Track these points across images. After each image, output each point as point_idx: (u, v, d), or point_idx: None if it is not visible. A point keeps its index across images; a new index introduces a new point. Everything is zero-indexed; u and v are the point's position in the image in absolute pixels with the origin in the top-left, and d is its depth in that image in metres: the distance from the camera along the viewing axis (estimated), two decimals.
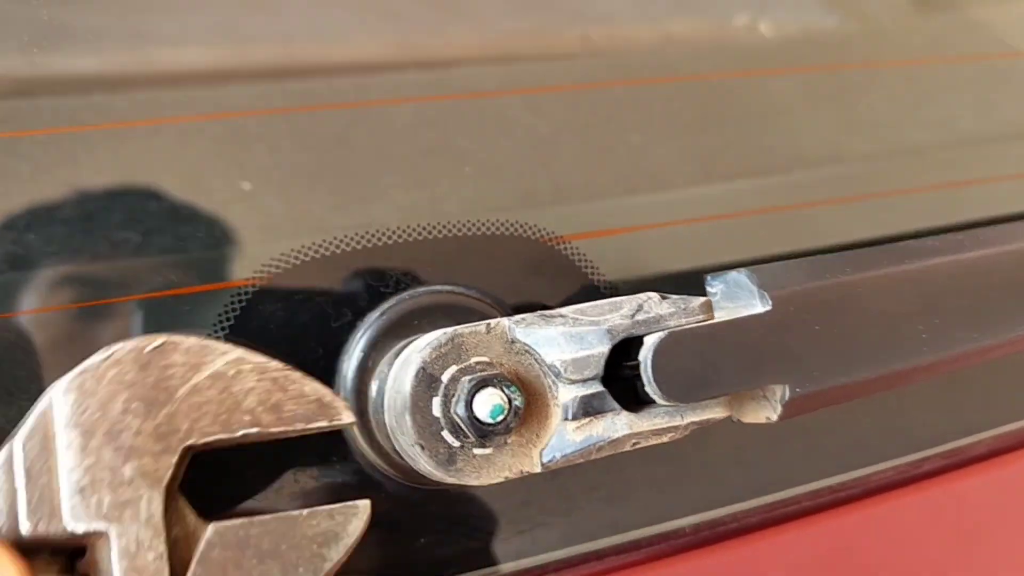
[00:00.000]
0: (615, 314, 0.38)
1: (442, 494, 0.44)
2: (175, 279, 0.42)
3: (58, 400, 0.31)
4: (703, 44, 0.60)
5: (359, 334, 0.42)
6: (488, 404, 0.36)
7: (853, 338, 0.40)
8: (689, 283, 0.49)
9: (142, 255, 0.43)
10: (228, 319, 0.41)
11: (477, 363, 0.38)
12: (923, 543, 0.52)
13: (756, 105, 0.58)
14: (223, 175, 0.45)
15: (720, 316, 0.40)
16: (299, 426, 0.33)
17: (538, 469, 0.38)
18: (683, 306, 0.38)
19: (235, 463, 0.40)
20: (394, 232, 0.45)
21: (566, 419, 0.38)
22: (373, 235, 0.44)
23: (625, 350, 0.39)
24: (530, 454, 0.38)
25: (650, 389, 0.37)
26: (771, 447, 0.49)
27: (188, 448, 0.32)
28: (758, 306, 0.39)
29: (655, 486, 0.47)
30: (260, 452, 0.37)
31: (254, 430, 0.33)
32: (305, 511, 0.34)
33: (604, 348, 0.37)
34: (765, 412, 0.40)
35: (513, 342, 0.38)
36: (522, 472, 0.38)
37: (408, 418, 0.37)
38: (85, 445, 0.31)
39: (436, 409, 0.37)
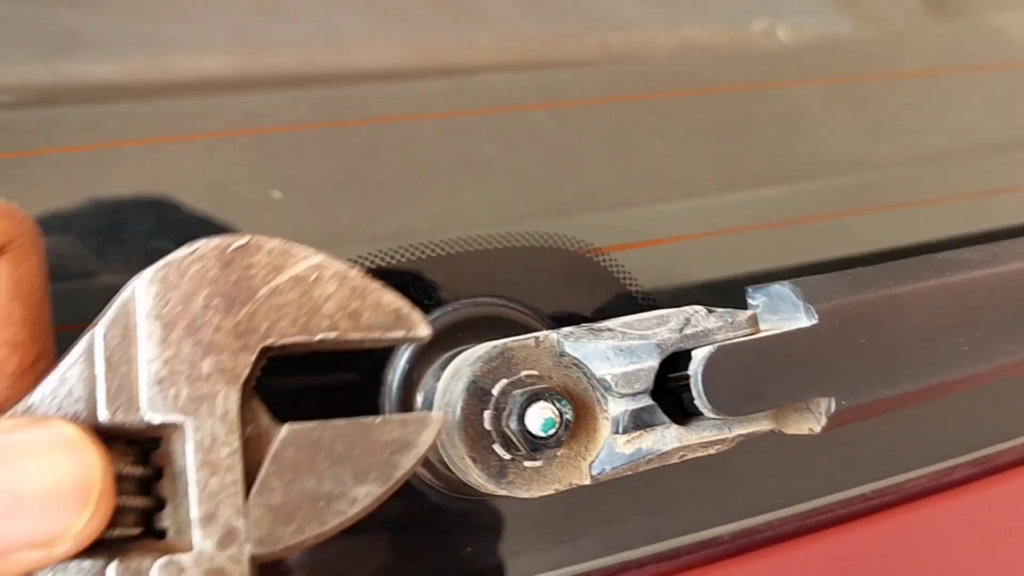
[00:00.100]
0: (663, 328, 0.38)
1: (485, 504, 0.44)
2: None
3: (141, 291, 0.31)
4: (722, 50, 0.61)
5: (403, 346, 0.43)
6: (540, 418, 0.37)
7: (896, 351, 0.40)
8: (724, 292, 0.49)
9: None
10: None
11: (527, 376, 0.38)
12: (955, 549, 0.52)
13: (777, 112, 0.59)
14: (253, 184, 0.45)
15: (763, 328, 0.40)
16: (376, 335, 0.33)
17: (587, 481, 0.38)
18: (730, 320, 0.39)
19: None
20: (436, 245, 0.45)
21: (616, 432, 0.38)
22: (415, 248, 0.45)
23: (670, 362, 0.39)
24: (579, 466, 0.38)
25: (700, 403, 0.37)
26: (806, 457, 0.50)
27: (266, 348, 0.32)
28: (803, 319, 0.39)
29: (693, 495, 0.48)
30: None
31: (332, 335, 0.32)
32: (378, 418, 0.33)
33: (654, 362, 0.38)
34: (808, 424, 0.41)
35: (562, 355, 0.39)
36: (571, 484, 0.38)
37: (459, 431, 0.37)
38: (166, 337, 0.31)
39: (487, 422, 0.37)
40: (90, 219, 0.42)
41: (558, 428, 0.37)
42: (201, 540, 0.31)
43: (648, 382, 0.38)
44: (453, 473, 0.40)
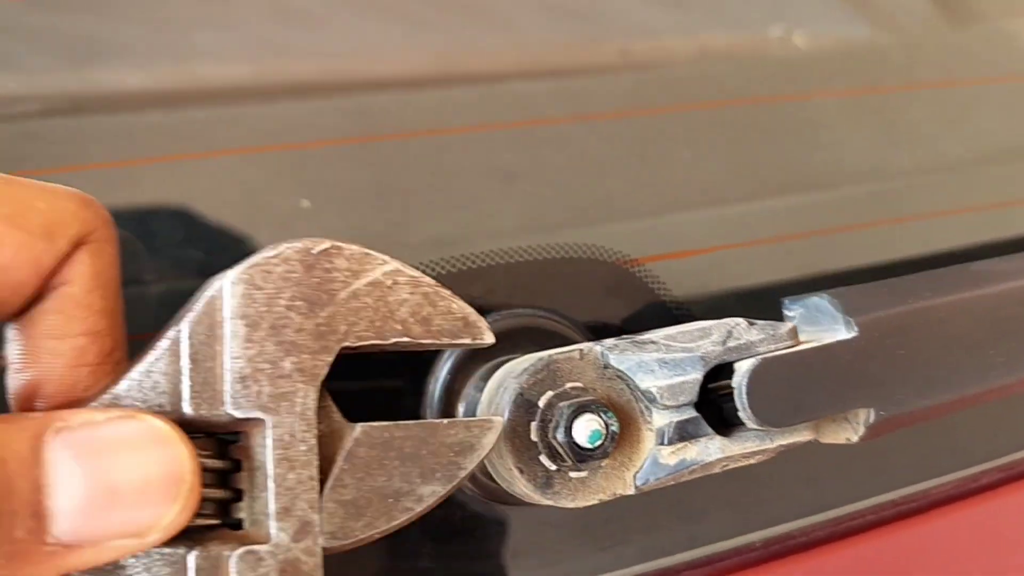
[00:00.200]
0: (706, 340, 0.39)
1: (525, 512, 0.45)
2: None
3: (227, 290, 0.32)
4: (739, 57, 0.61)
5: (445, 357, 0.43)
6: (587, 429, 0.37)
7: (932, 362, 0.41)
8: (756, 301, 0.50)
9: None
10: None
11: (572, 388, 0.38)
12: (982, 555, 0.53)
13: (799, 120, 0.59)
14: (282, 193, 0.46)
15: (802, 339, 0.41)
16: (445, 340, 0.34)
17: (631, 491, 0.39)
18: (771, 332, 0.39)
19: None
20: (474, 256, 0.46)
21: (661, 443, 0.38)
22: (457, 259, 0.45)
23: (710, 372, 0.40)
24: (623, 477, 0.39)
25: (744, 415, 0.38)
26: (837, 464, 0.50)
27: (343, 349, 0.33)
28: (843, 331, 0.40)
29: (728, 503, 0.48)
30: None
31: (404, 339, 0.33)
32: (445, 420, 0.34)
33: (698, 374, 0.38)
34: (846, 433, 0.41)
35: (606, 367, 0.39)
36: (615, 494, 0.39)
37: (506, 443, 0.38)
38: (250, 336, 0.32)
39: (534, 434, 0.38)
40: (121, 228, 0.42)
41: (604, 439, 0.37)
42: (278, 532, 0.32)
43: (693, 394, 0.38)
44: (494, 482, 0.41)
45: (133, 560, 0.31)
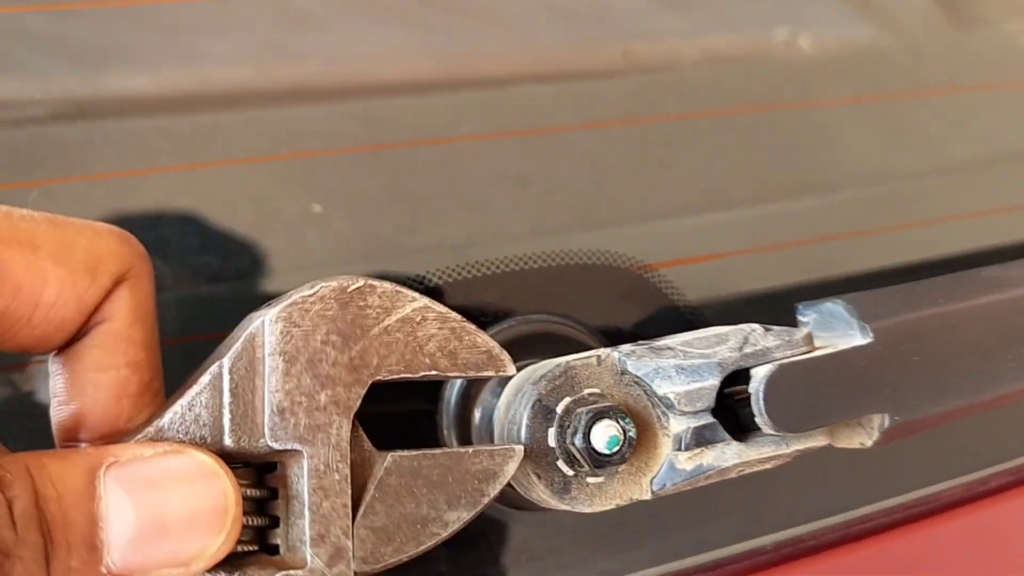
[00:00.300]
0: (723, 347, 0.39)
1: (538, 517, 0.45)
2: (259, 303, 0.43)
3: (267, 327, 0.34)
4: (744, 60, 0.61)
5: None
6: (605, 435, 0.37)
7: (947, 368, 0.41)
8: (769, 306, 0.50)
9: (222, 279, 0.44)
10: None
11: (590, 394, 0.39)
12: (992, 558, 0.53)
13: (804, 123, 0.59)
14: (294, 198, 0.46)
15: (817, 345, 0.41)
16: (471, 373, 0.36)
17: (648, 496, 0.39)
18: (787, 338, 0.40)
19: None
20: (489, 263, 0.46)
21: (678, 449, 0.39)
22: (470, 266, 0.45)
23: (727, 378, 0.40)
24: (640, 482, 0.39)
25: (761, 420, 0.38)
26: (847, 467, 0.51)
27: (375, 382, 0.35)
28: (858, 337, 0.40)
29: (738, 506, 0.48)
30: None
31: (433, 373, 0.35)
32: (470, 449, 0.36)
33: (715, 381, 0.38)
34: (860, 438, 0.41)
35: (623, 373, 0.39)
36: (632, 500, 0.39)
37: (524, 448, 0.38)
38: (288, 371, 0.34)
39: (552, 440, 0.38)
40: (135, 236, 0.42)
41: (622, 445, 0.38)
42: (313, 558, 0.33)
43: (710, 400, 0.38)
44: (510, 487, 0.41)
45: None
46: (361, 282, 0.35)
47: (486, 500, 0.36)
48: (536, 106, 0.52)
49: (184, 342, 0.42)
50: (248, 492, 0.34)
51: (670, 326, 0.44)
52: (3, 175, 0.42)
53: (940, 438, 0.53)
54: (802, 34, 0.63)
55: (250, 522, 0.33)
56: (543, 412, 0.38)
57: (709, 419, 0.39)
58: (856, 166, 0.60)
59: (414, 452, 0.36)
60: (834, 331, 0.41)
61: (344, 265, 0.46)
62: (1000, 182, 0.63)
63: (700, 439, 0.38)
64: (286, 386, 0.34)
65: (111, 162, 0.43)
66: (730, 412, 0.40)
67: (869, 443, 0.41)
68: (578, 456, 0.38)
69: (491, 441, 0.41)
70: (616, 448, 0.38)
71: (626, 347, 0.40)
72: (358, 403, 0.34)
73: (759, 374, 0.38)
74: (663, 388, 0.39)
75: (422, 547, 0.35)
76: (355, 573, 0.34)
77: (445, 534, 0.35)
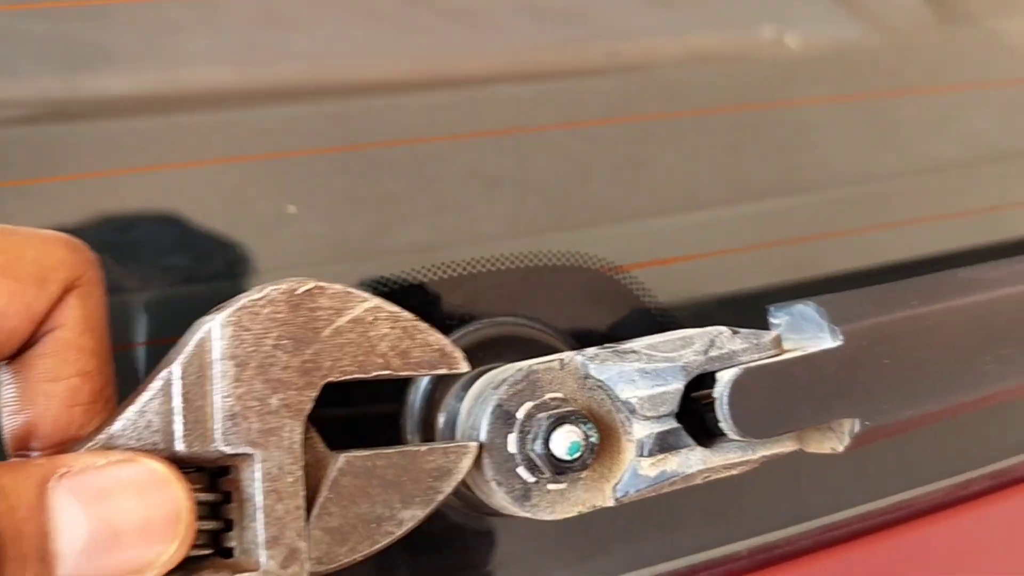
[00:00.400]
0: (688, 350, 0.38)
1: (505, 523, 0.44)
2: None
3: (216, 332, 0.34)
4: (730, 59, 0.60)
5: None
6: (566, 441, 0.37)
7: (921, 371, 0.40)
8: (742, 307, 0.49)
9: (195, 281, 0.43)
10: None
11: (552, 399, 0.38)
12: (972, 563, 0.52)
13: (788, 123, 0.59)
14: (268, 199, 0.45)
15: (786, 348, 0.40)
16: (423, 371, 0.36)
17: (611, 503, 0.38)
18: (755, 341, 0.39)
19: None
20: (456, 264, 0.45)
21: (641, 455, 0.38)
22: (437, 267, 0.45)
23: (693, 381, 0.39)
24: (603, 488, 0.38)
25: (726, 426, 0.37)
26: (823, 472, 0.50)
27: (327, 384, 0.35)
28: (828, 340, 0.39)
29: (711, 511, 0.48)
30: None
31: (385, 372, 0.35)
32: (424, 446, 0.36)
33: (679, 385, 0.37)
34: (831, 443, 0.41)
35: (586, 378, 0.38)
36: (595, 506, 0.38)
37: (484, 455, 0.37)
38: (239, 375, 0.33)
39: (512, 446, 0.37)
40: (105, 236, 0.42)
41: (583, 451, 0.37)
42: (267, 560, 0.34)
43: (673, 405, 0.38)
44: (472, 493, 0.40)
45: None
46: (311, 284, 0.35)
47: (440, 498, 0.36)
48: (515, 105, 0.52)
49: (156, 344, 0.42)
50: (201, 496, 0.34)
51: (642, 329, 0.42)
52: None
53: (919, 441, 0.52)
54: (788, 32, 0.62)
55: (204, 526, 0.33)
56: (503, 417, 0.37)
57: (673, 424, 0.38)
58: (838, 165, 0.59)
59: (367, 452, 0.36)
60: (805, 333, 0.40)
61: (318, 266, 0.46)
62: (983, 182, 0.62)
63: (663, 445, 0.38)
64: (237, 391, 0.33)
65: (84, 162, 0.43)
66: (697, 417, 0.39)
67: (841, 448, 0.40)
68: (538, 462, 0.37)
69: None
70: (577, 454, 0.37)
71: (590, 350, 0.39)
72: (311, 405, 0.34)
73: (724, 378, 0.37)
74: (626, 392, 0.38)
75: (377, 546, 0.35)
76: (310, 574, 0.34)
77: (400, 532, 0.36)
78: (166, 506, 0.31)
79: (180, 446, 0.33)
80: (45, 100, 0.44)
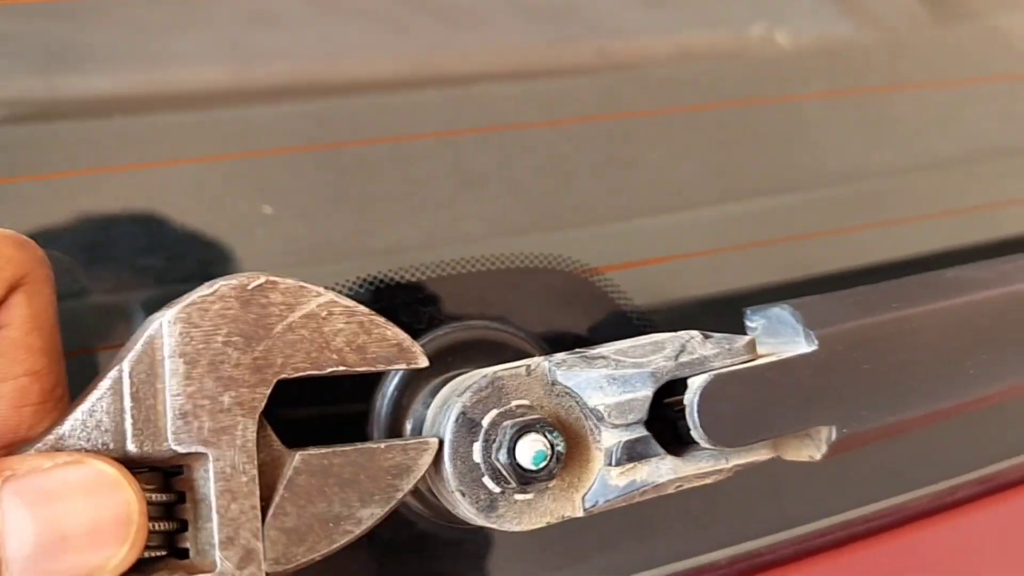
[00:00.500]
0: (658, 355, 0.37)
1: (476, 532, 0.43)
2: None
3: (166, 329, 0.33)
4: (720, 56, 0.59)
5: (392, 373, 0.42)
6: (531, 450, 0.36)
7: (901, 376, 0.39)
8: (723, 309, 0.48)
9: (166, 281, 0.42)
10: None
11: (518, 407, 0.37)
12: (957, 571, 0.51)
13: (777, 121, 0.57)
14: (244, 199, 0.44)
15: (762, 352, 0.39)
16: (380, 366, 0.35)
17: (580, 514, 0.37)
18: (727, 346, 0.38)
19: None
20: (428, 266, 0.44)
21: (609, 464, 0.37)
22: (406, 270, 0.44)
23: (665, 387, 0.38)
24: (572, 498, 0.37)
25: (696, 434, 0.36)
26: (804, 478, 0.49)
27: (281, 381, 0.34)
28: (803, 345, 0.38)
29: (690, 519, 0.46)
30: None
31: (340, 368, 0.35)
32: (382, 443, 0.36)
33: (648, 391, 0.36)
34: (808, 451, 0.39)
35: (554, 384, 0.37)
36: (563, 517, 0.37)
37: (448, 465, 0.36)
38: (189, 373, 0.33)
39: (477, 455, 0.36)
40: (80, 237, 0.41)
41: (549, 461, 0.36)
42: (222, 561, 0.33)
43: (642, 412, 0.37)
44: (440, 501, 0.39)
45: None
46: (262, 279, 0.34)
47: (400, 495, 0.35)
48: (499, 104, 0.51)
49: None
50: (154, 497, 0.33)
51: (618, 333, 0.41)
52: None
53: (904, 447, 0.51)
54: (779, 29, 0.61)
55: (157, 527, 0.33)
56: (468, 425, 0.36)
57: (642, 432, 0.37)
58: (829, 163, 0.58)
59: (324, 449, 0.35)
60: (781, 338, 0.39)
61: (294, 267, 0.45)
62: (979, 179, 0.61)
63: (632, 453, 0.37)
64: (188, 389, 0.33)
65: (61, 162, 0.42)
66: (670, 424, 0.38)
67: (818, 456, 0.39)
68: (503, 472, 0.36)
69: None
70: (543, 464, 0.36)
71: (558, 356, 0.38)
72: (263, 403, 0.34)
73: (694, 384, 0.36)
74: (594, 399, 0.37)
75: (335, 545, 0.35)
76: (267, 574, 0.34)
77: (359, 531, 0.35)
78: (116, 508, 0.31)
79: (131, 446, 0.32)
80: (23, 100, 0.43)
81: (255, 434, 0.33)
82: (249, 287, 0.34)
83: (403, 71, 0.51)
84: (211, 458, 0.33)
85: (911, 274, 0.44)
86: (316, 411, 0.41)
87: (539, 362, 0.38)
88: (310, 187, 0.45)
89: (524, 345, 0.44)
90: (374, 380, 0.42)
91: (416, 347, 0.36)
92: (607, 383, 0.37)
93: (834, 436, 0.38)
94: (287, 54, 0.48)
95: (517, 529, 0.37)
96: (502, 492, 0.36)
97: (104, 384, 0.33)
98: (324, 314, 0.34)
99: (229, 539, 0.33)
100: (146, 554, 0.32)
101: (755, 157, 0.55)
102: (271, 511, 0.34)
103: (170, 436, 0.33)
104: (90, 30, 0.45)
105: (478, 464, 0.36)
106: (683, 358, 0.37)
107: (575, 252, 0.46)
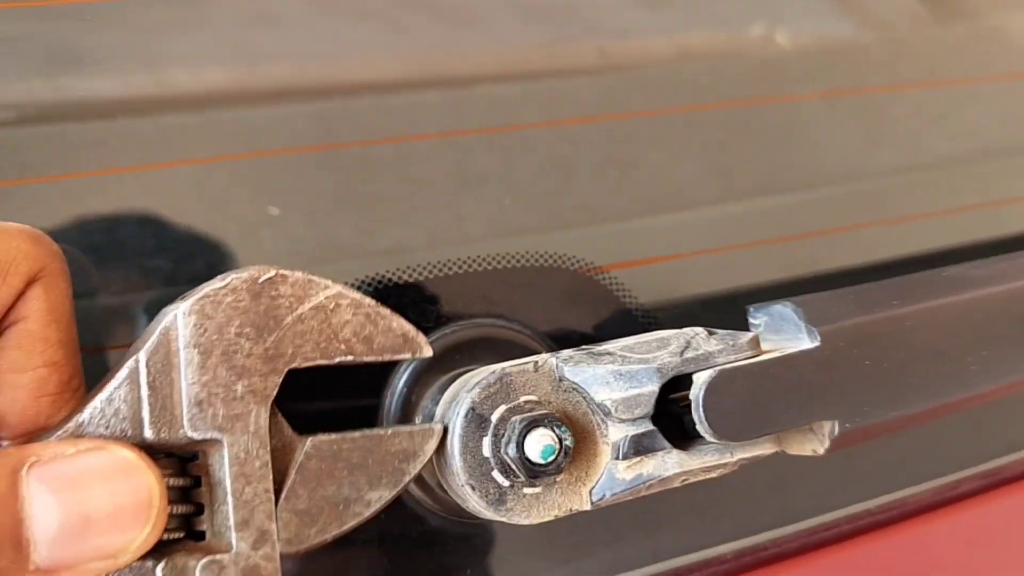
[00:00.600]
0: (663, 351, 0.38)
1: (485, 526, 0.44)
2: None
3: (181, 321, 0.34)
4: (720, 57, 0.60)
5: (402, 369, 0.42)
6: (539, 444, 0.36)
7: (902, 372, 0.40)
8: (726, 307, 0.49)
9: (176, 283, 0.43)
10: None
11: (526, 402, 0.37)
12: (961, 565, 0.52)
13: (777, 120, 0.58)
14: (250, 200, 0.45)
15: (766, 348, 0.39)
16: (387, 356, 0.37)
17: (588, 507, 0.38)
18: (731, 342, 0.38)
19: None
20: (435, 265, 0.45)
21: (616, 458, 0.37)
22: (414, 268, 0.44)
23: (670, 383, 0.39)
24: (579, 492, 0.38)
25: (701, 428, 0.37)
26: (809, 473, 0.49)
27: (292, 370, 0.35)
28: (806, 341, 0.39)
29: (695, 513, 0.47)
30: None
31: (348, 358, 0.36)
32: (389, 430, 0.37)
33: (654, 387, 0.37)
34: (812, 445, 0.40)
35: (561, 380, 0.38)
36: (571, 510, 0.38)
37: (458, 459, 0.37)
38: (204, 363, 0.34)
39: (486, 449, 0.37)
40: (89, 238, 0.42)
41: (557, 455, 0.36)
42: (238, 542, 0.34)
43: (648, 407, 0.37)
44: (449, 496, 0.40)
45: None
46: (272, 272, 0.35)
47: (407, 479, 0.37)
48: (501, 106, 0.51)
49: None
50: (171, 481, 0.34)
51: (623, 330, 0.42)
52: None
53: (909, 441, 0.52)
54: (779, 30, 0.62)
55: (175, 510, 0.34)
56: (477, 421, 0.37)
57: (648, 427, 0.37)
58: (830, 162, 0.58)
59: (334, 435, 0.36)
60: (784, 334, 0.40)
61: (300, 268, 0.45)
62: (979, 178, 0.61)
63: (639, 447, 0.37)
64: (202, 378, 0.34)
65: (66, 164, 0.43)
66: (676, 419, 0.39)
67: (821, 450, 0.40)
68: (512, 466, 0.37)
69: None
70: (551, 458, 0.36)
71: (565, 353, 0.38)
72: (275, 391, 0.35)
73: (699, 380, 0.37)
74: (600, 395, 0.37)
75: (346, 527, 0.36)
76: (281, 554, 0.35)
77: (368, 513, 0.36)
78: (137, 492, 0.32)
79: (148, 433, 0.34)
80: (28, 102, 0.44)
81: (267, 421, 0.35)
82: (259, 280, 0.35)
83: (406, 72, 0.51)
84: (226, 444, 0.34)
85: (910, 272, 0.45)
86: (327, 407, 0.42)
87: (546, 358, 0.38)
88: (315, 188, 0.46)
89: (530, 343, 0.44)
90: (382, 379, 0.43)
91: (421, 337, 0.37)
92: (614, 379, 0.37)
93: (837, 431, 0.39)
94: (290, 55, 0.49)
95: (526, 522, 0.37)
96: (511, 486, 0.37)
97: (122, 374, 0.34)
98: (332, 306, 0.36)
99: (244, 521, 0.34)
100: (164, 536, 0.33)
101: (756, 157, 0.56)
102: (284, 494, 0.35)
103: (186, 423, 0.34)
104: (95, 33, 0.46)
105: (487, 458, 0.37)
106: (688, 354, 0.38)
107: (578, 251, 0.47)
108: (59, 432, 0.33)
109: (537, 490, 0.37)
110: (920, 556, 0.51)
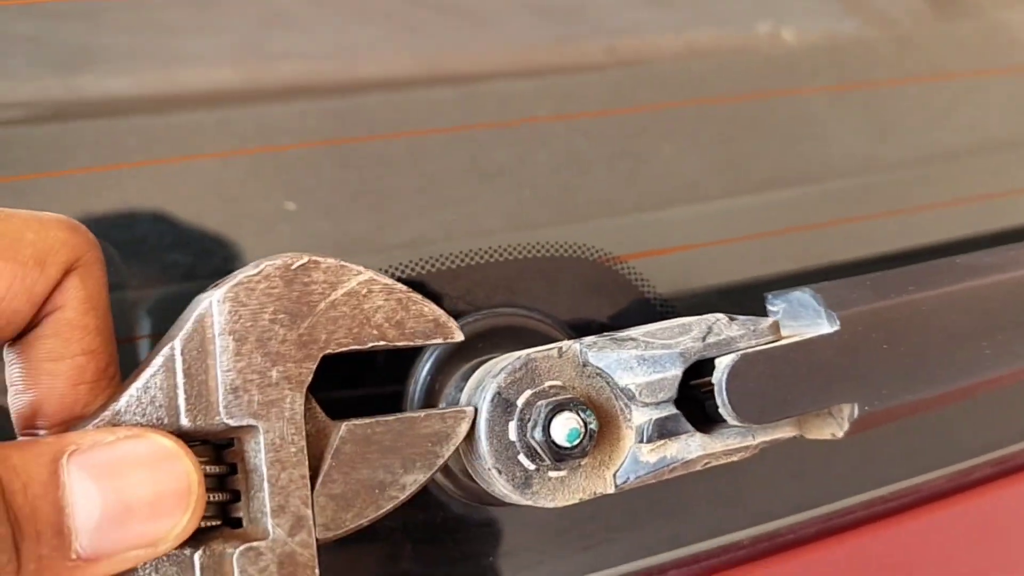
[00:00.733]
0: (686, 337, 0.38)
1: (507, 513, 0.44)
2: None
3: (215, 308, 0.34)
4: (727, 53, 0.60)
5: (425, 357, 0.43)
6: (565, 428, 0.37)
7: (918, 356, 0.40)
8: (742, 296, 0.49)
9: (195, 278, 0.44)
10: None
11: (551, 387, 0.38)
12: (975, 551, 0.52)
13: (786, 115, 0.59)
14: (267, 196, 0.45)
15: (785, 335, 0.40)
16: (419, 341, 0.37)
17: (612, 490, 0.38)
18: (752, 327, 0.39)
19: None
20: (456, 256, 0.45)
21: (640, 441, 0.38)
22: (436, 259, 0.45)
23: (692, 369, 0.39)
24: (603, 475, 0.39)
25: (724, 412, 0.37)
26: (825, 459, 0.50)
27: (326, 356, 0.36)
28: (825, 326, 0.39)
29: (713, 499, 0.48)
30: None
31: (381, 343, 0.36)
32: (421, 413, 0.37)
33: (677, 371, 0.38)
34: (831, 429, 0.41)
35: (585, 365, 0.39)
36: (596, 493, 0.38)
37: (484, 443, 0.37)
38: (238, 350, 0.34)
39: (512, 434, 0.37)
40: (108, 234, 0.42)
41: (583, 438, 0.37)
42: (274, 528, 0.34)
43: (672, 391, 0.38)
44: (475, 483, 0.40)
45: (148, 565, 0.33)
46: (305, 259, 0.35)
47: (440, 461, 0.37)
48: (514, 101, 0.52)
49: (157, 339, 0.42)
50: (207, 469, 0.34)
51: (641, 319, 0.43)
52: None
53: (923, 428, 0.52)
54: (785, 27, 0.62)
55: (212, 498, 0.34)
56: (503, 405, 0.38)
57: (672, 410, 0.38)
58: (838, 156, 0.59)
59: (367, 420, 0.36)
60: (802, 320, 0.40)
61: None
62: (985, 170, 0.62)
63: (663, 431, 0.38)
64: (238, 365, 0.34)
65: (83, 159, 0.43)
66: (698, 404, 0.40)
67: (840, 434, 0.40)
68: (538, 450, 0.37)
69: None
70: (576, 441, 0.37)
71: (588, 339, 0.39)
72: (310, 377, 0.35)
73: (722, 364, 0.37)
74: (624, 379, 0.38)
75: (382, 510, 0.36)
76: (317, 540, 0.35)
77: (403, 496, 0.36)
78: (176, 480, 0.32)
79: (184, 420, 0.34)
80: (43, 100, 0.44)
81: (303, 407, 0.35)
82: (292, 267, 0.35)
83: (419, 69, 0.52)
84: (261, 430, 0.34)
85: (922, 261, 0.46)
86: (352, 395, 0.43)
87: (570, 344, 0.39)
88: (331, 183, 0.46)
89: (551, 331, 0.45)
90: (405, 367, 0.43)
91: (452, 322, 0.37)
92: (637, 363, 0.38)
93: (856, 414, 0.39)
94: (304, 54, 0.49)
95: (551, 505, 0.38)
96: (536, 469, 0.38)
97: (157, 362, 0.34)
98: (364, 291, 0.36)
99: (280, 507, 0.34)
100: (202, 524, 0.33)
101: (767, 150, 0.57)
102: (319, 479, 0.35)
103: (222, 410, 0.34)
104: (107, 31, 0.46)
105: (513, 442, 0.37)
106: (710, 339, 0.38)
107: (596, 242, 0.48)
108: (96, 420, 0.33)
109: (562, 473, 0.38)
110: (934, 543, 0.51)
